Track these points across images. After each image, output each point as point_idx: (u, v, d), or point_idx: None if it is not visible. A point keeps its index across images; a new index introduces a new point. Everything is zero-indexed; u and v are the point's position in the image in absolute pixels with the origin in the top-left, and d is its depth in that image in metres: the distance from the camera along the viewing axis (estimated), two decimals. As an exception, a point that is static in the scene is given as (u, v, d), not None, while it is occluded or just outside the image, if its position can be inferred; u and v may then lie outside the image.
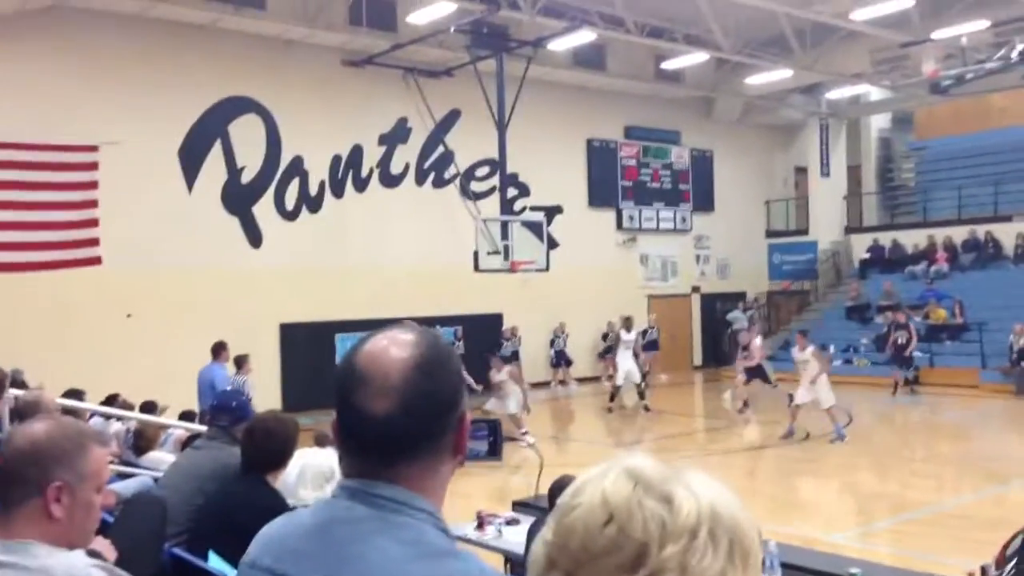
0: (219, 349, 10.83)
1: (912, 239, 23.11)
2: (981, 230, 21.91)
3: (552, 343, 20.63)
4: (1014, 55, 18.55)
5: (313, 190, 18.00)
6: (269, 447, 3.64)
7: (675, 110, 23.37)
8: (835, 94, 23.51)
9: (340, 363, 1.28)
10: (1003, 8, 17.11)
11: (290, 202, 17.73)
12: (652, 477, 0.83)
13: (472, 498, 7.92)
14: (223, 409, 4.40)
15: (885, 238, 23.75)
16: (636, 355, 16.45)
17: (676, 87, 22.26)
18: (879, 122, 26.22)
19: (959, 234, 22.24)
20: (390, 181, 19.07)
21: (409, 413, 1.22)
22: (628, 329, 16.77)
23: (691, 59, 20.13)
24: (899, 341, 15.90)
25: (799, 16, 17.45)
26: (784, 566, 4.61)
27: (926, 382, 18.76)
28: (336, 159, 18.29)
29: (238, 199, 17.01)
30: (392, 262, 18.37)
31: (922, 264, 22.32)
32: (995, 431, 13.79)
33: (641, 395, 16.38)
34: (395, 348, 1.26)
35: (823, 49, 19.73)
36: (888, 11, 16.75)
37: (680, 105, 23.36)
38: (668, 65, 20.90)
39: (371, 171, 18.80)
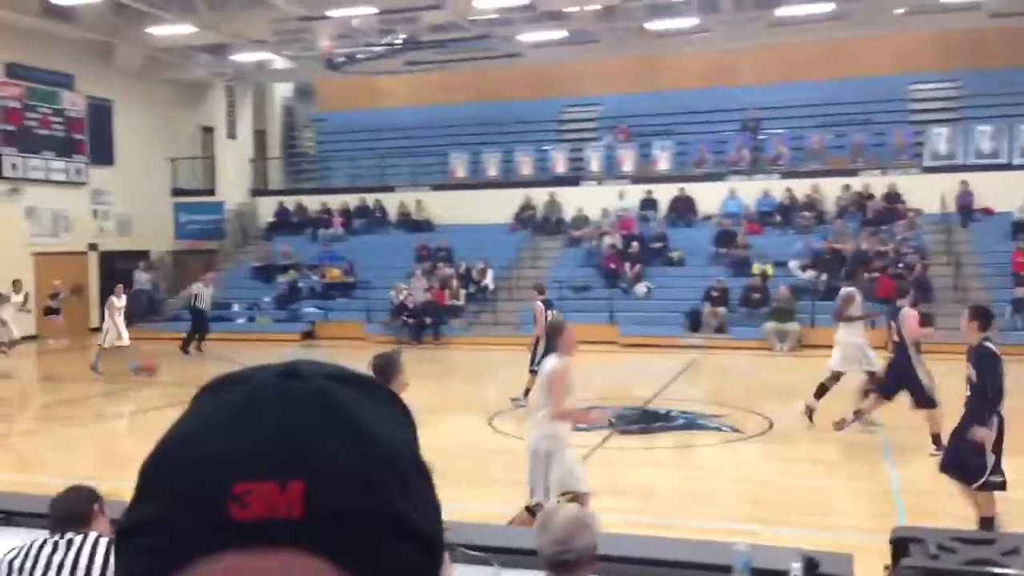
0: None
1: (313, 204, 24.69)
2: (371, 198, 24.35)
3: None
4: (396, 42, 20.94)
5: None
6: None
7: (68, 52, 21.29)
8: (241, 58, 23.83)
9: None
10: (389, -2, 19.08)
11: None
12: None
13: None
14: None
15: (290, 202, 24.98)
16: None
17: (69, 26, 20.27)
18: (283, 91, 27.35)
19: (353, 201, 24.42)
20: None
21: None
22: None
23: (85, -3, 18.55)
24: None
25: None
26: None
27: (321, 335, 20.37)
28: None
29: None
30: None
31: (321, 228, 24.01)
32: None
33: None
34: None
35: (228, 11, 19.80)
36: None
37: (74, 47, 21.33)
38: (59, 0, 18.95)
39: None
